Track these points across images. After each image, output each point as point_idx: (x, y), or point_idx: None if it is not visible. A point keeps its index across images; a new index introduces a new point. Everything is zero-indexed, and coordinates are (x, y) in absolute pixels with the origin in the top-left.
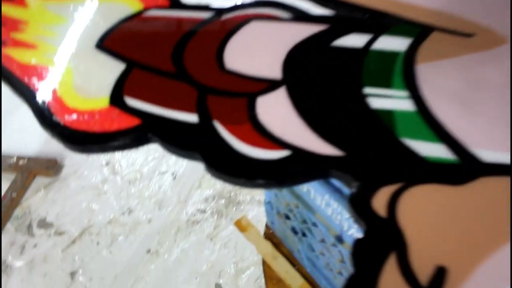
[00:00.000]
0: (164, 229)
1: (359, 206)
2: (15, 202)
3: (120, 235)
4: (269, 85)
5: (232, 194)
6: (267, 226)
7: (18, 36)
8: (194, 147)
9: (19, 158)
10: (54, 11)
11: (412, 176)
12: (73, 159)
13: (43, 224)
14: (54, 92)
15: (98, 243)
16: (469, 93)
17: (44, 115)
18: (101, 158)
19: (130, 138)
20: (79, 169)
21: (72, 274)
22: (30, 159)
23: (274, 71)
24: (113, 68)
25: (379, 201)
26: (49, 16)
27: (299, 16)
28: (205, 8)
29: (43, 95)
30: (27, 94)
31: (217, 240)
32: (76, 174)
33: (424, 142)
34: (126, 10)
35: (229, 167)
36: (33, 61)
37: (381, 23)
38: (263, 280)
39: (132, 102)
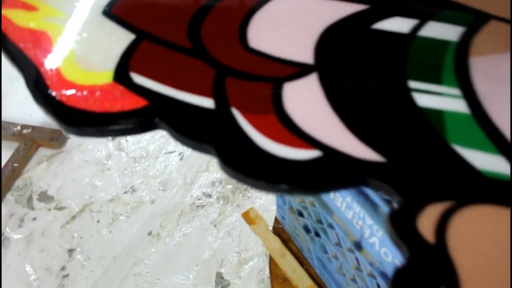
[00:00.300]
0: (167, 211)
1: (401, 226)
2: (17, 172)
3: (121, 215)
4: (298, 70)
5: None
6: (276, 220)
7: None
8: (207, 139)
9: (23, 126)
10: None
11: (466, 193)
12: None
13: (44, 197)
14: (52, 61)
15: (98, 221)
16: None
17: (37, 87)
18: None
19: (134, 122)
20: (84, 142)
21: (70, 251)
22: (34, 129)
23: (305, 54)
24: (120, 39)
25: (426, 222)
26: None
27: None
28: None
29: (38, 64)
30: (20, 61)
31: (221, 227)
32: (80, 148)
33: (480, 152)
34: None
35: (247, 165)
36: (32, 24)
37: (429, 7)
38: (266, 273)
39: (139, 79)
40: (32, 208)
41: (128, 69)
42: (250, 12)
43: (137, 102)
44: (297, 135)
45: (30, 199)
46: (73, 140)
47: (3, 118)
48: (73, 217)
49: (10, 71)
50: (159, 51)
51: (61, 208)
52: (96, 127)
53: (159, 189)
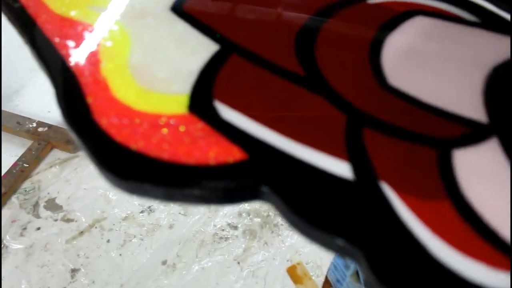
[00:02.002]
0: (186, 239)
1: None
2: (26, 173)
3: (134, 237)
4: (468, 131)
5: (270, 213)
6: (327, 282)
7: None
8: (344, 231)
9: (39, 124)
10: None
11: None
12: None
13: (51, 205)
14: (97, 68)
15: (108, 241)
16: None
17: (72, 105)
18: None
19: (224, 188)
20: None
21: (73, 272)
22: (51, 128)
23: (471, 106)
24: (198, 48)
25: None
26: None
27: (490, 21)
28: None
29: (77, 71)
30: (52, 62)
31: (245, 266)
32: None
33: None
34: None
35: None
36: (73, 13)
37: None
38: None
39: (230, 114)
40: (38, 216)
41: (211, 95)
42: (380, 31)
43: (228, 152)
44: (491, 241)
45: (36, 205)
46: None
47: (19, 112)
48: (81, 233)
49: (33, 61)
50: (255, 73)
51: (68, 220)
52: (163, 187)
53: (180, 213)
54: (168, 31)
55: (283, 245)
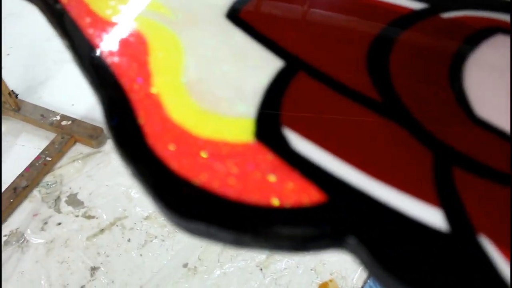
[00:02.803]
0: (209, 243)
1: None
2: (48, 167)
3: (156, 237)
4: None
5: None
6: None
7: None
8: None
9: (63, 117)
10: None
11: None
12: None
13: (73, 201)
14: (148, 82)
15: (129, 240)
16: None
17: (121, 125)
18: None
19: (300, 236)
20: None
21: (93, 270)
22: (74, 122)
23: None
24: (260, 63)
25: None
26: None
27: None
28: None
29: (126, 83)
30: (95, 72)
31: (267, 272)
32: None
33: None
34: None
35: None
36: (119, 17)
37: None
38: None
39: (302, 144)
40: (59, 211)
41: (279, 120)
42: (459, 52)
43: (303, 192)
44: None
45: (58, 200)
46: None
47: (43, 104)
48: (102, 230)
49: (59, 53)
50: (326, 96)
51: (89, 217)
52: (231, 232)
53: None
54: (225, 41)
55: (307, 253)
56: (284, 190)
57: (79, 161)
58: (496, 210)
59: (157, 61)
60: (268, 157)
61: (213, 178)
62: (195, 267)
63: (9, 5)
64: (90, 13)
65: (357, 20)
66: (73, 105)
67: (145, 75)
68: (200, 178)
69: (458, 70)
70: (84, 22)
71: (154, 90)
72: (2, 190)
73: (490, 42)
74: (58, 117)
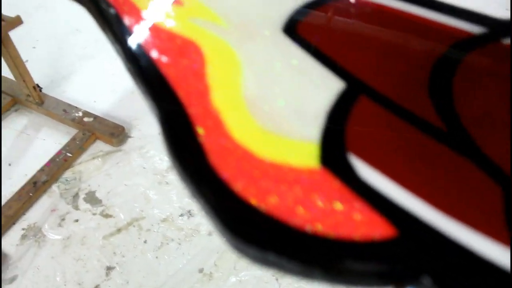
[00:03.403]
0: (225, 249)
1: None
2: (68, 163)
3: (172, 240)
4: None
5: None
6: None
7: None
8: None
9: (85, 114)
10: None
11: None
12: (141, 132)
13: (91, 198)
14: (206, 97)
15: (145, 242)
16: None
17: (180, 142)
18: None
19: (371, 272)
20: (145, 146)
21: (108, 269)
22: (96, 119)
23: None
24: (320, 82)
25: None
26: None
27: None
28: (467, 14)
29: (184, 99)
30: (150, 81)
31: (283, 282)
32: (141, 151)
33: None
34: None
35: None
36: (172, 25)
37: None
38: None
39: (370, 174)
40: (77, 208)
41: (344, 146)
42: None
43: (374, 226)
44: None
45: (76, 196)
46: (135, 141)
47: (65, 99)
48: (119, 230)
49: (84, 48)
50: (389, 121)
51: (107, 216)
52: (300, 263)
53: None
54: (283, 57)
55: None
56: (352, 221)
57: (99, 159)
58: None
59: (215, 74)
60: (334, 185)
61: (279, 205)
62: (210, 272)
63: None
64: (144, 20)
65: (418, 42)
66: (95, 101)
67: (203, 89)
68: (266, 203)
69: None
70: (138, 29)
71: (213, 105)
72: (23, 183)
73: None
74: (80, 113)
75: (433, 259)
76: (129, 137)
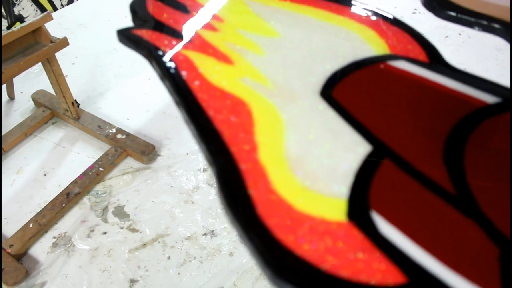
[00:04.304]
0: (245, 270)
1: None
2: (100, 177)
3: (195, 258)
4: None
5: None
6: None
7: (207, 34)
8: None
9: (118, 131)
10: (258, 11)
11: None
12: (171, 151)
13: (119, 212)
14: (255, 155)
15: (169, 258)
16: None
17: (233, 195)
18: (200, 162)
19: None
20: (174, 165)
21: (132, 282)
22: (128, 136)
23: None
24: (351, 145)
25: None
26: (253, 17)
27: None
28: (483, 82)
29: (236, 154)
30: (208, 139)
31: None
32: (169, 170)
33: None
34: (363, 46)
35: None
36: (223, 83)
37: None
38: None
39: (388, 229)
40: (105, 221)
41: (368, 204)
42: None
43: (387, 273)
44: None
45: (105, 209)
46: (164, 160)
47: (101, 116)
48: (144, 245)
49: (119, 67)
50: (408, 184)
51: (134, 230)
52: None
53: (242, 242)
54: (320, 120)
55: None
56: (371, 270)
57: (129, 175)
58: None
59: (262, 133)
60: (358, 237)
61: (311, 251)
62: None
63: (78, 16)
64: (201, 77)
65: (436, 109)
66: (128, 119)
67: (252, 146)
68: (302, 249)
69: None
70: (195, 85)
71: (261, 163)
72: (57, 193)
73: None
74: (114, 130)
75: None
76: (159, 155)
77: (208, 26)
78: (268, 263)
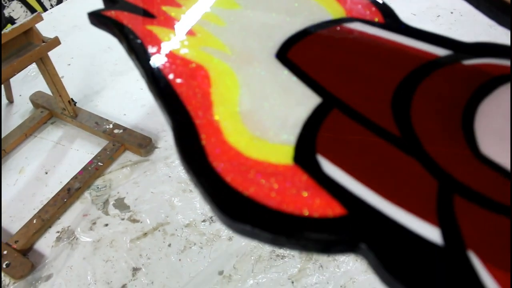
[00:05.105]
0: (244, 253)
1: None
2: (99, 171)
3: (195, 244)
4: None
5: None
6: None
7: (172, 11)
8: None
9: (115, 126)
10: None
11: None
12: (167, 143)
13: (120, 204)
14: (210, 111)
15: (170, 245)
16: None
17: (187, 145)
18: None
19: (324, 241)
20: (171, 156)
21: (135, 270)
22: (125, 131)
23: None
24: (301, 99)
25: None
26: None
27: None
28: (436, 38)
29: (192, 111)
30: (169, 100)
31: (298, 285)
32: (166, 161)
33: None
34: (321, 12)
35: None
36: (185, 52)
37: None
38: None
39: (331, 169)
40: (107, 213)
41: (314, 149)
42: (475, 95)
43: (328, 206)
44: None
45: (106, 203)
46: (161, 151)
47: (98, 113)
48: (145, 234)
49: (114, 65)
50: (354, 130)
51: (134, 221)
52: (271, 234)
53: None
54: (274, 79)
55: (338, 270)
56: (313, 204)
57: (128, 168)
58: (486, 233)
59: (217, 93)
60: (303, 177)
61: (258, 191)
62: (230, 275)
63: (73, 18)
64: (163, 48)
65: (388, 63)
66: (124, 114)
67: (208, 104)
68: (249, 190)
69: (471, 113)
70: (158, 56)
71: (215, 117)
72: (58, 189)
73: (504, 88)
74: (111, 126)
75: (372, 232)
76: (156, 147)
77: (173, 3)
78: (218, 204)
